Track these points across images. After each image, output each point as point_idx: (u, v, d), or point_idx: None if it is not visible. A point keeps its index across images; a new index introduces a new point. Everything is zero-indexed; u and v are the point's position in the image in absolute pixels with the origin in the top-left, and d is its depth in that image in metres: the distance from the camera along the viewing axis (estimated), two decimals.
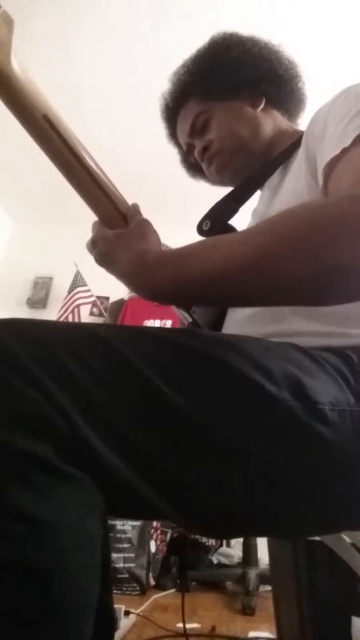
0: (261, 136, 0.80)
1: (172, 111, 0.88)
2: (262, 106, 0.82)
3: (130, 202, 0.66)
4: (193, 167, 0.93)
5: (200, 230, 0.73)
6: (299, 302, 0.50)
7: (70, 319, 3.14)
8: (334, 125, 0.56)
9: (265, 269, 0.44)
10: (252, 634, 1.39)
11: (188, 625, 1.18)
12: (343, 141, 0.52)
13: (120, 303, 3.19)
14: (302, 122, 0.87)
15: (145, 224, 0.61)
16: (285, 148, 0.76)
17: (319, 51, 2.15)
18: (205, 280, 0.48)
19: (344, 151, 0.51)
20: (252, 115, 0.81)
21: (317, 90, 0.90)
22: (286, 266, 0.43)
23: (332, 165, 0.53)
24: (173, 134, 0.92)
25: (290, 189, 0.68)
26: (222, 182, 0.87)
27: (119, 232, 0.60)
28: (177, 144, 0.93)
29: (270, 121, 0.82)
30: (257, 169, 0.79)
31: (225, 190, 0.80)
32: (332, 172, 0.53)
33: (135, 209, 0.64)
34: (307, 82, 0.87)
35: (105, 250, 0.61)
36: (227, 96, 0.81)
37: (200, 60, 0.83)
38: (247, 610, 1.62)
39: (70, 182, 0.60)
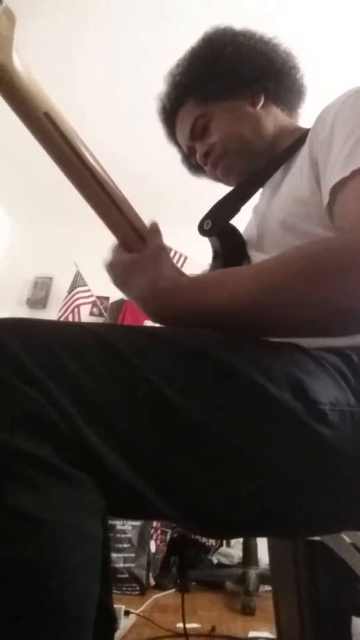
0: (263, 134, 0.79)
1: (170, 113, 0.86)
2: (261, 103, 0.80)
3: (131, 202, 0.65)
4: (194, 167, 0.92)
5: (201, 229, 0.73)
6: (301, 336, 0.52)
7: (70, 319, 3.15)
8: (341, 137, 0.55)
9: (269, 310, 0.47)
10: (252, 634, 1.39)
11: (188, 625, 1.18)
12: (352, 162, 0.51)
13: (120, 303, 3.19)
14: (304, 122, 0.87)
15: (159, 250, 0.60)
16: (288, 146, 0.75)
17: (319, 49, 2.15)
18: (213, 315, 0.50)
19: (354, 174, 0.51)
20: (253, 113, 0.79)
21: (318, 88, 0.89)
22: (290, 308, 0.46)
23: (338, 188, 0.53)
24: (172, 135, 0.90)
25: (290, 190, 0.67)
26: (228, 184, 0.85)
27: (133, 257, 0.61)
28: (177, 144, 0.91)
29: (271, 118, 0.81)
30: (259, 168, 0.78)
31: (227, 189, 0.80)
32: (338, 195, 0.53)
33: (154, 227, 0.63)
34: (308, 80, 0.85)
35: (120, 274, 0.62)
36: (226, 96, 0.79)
37: (195, 60, 0.81)
38: (247, 610, 1.62)
39: (72, 182, 0.59)
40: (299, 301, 0.45)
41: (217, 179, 0.86)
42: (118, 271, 0.62)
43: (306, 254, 0.48)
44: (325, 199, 0.55)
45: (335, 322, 0.47)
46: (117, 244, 0.64)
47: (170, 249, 3.06)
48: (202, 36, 0.82)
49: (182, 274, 0.62)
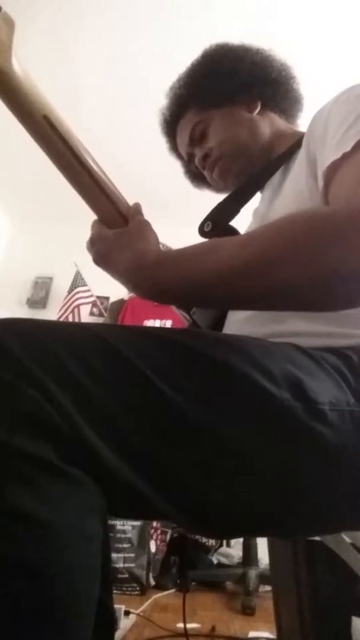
0: (259, 138, 0.81)
1: (171, 124, 0.90)
2: (258, 109, 0.83)
3: (131, 203, 0.65)
4: (196, 177, 0.94)
5: (201, 231, 0.74)
6: (298, 307, 0.50)
7: (70, 319, 3.14)
8: (334, 127, 0.56)
9: (264, 273, 0.44)
10: (252, 634, 1.39)
11: (188, 625, 1.18)
12: (344, 145, 0.52)
13: (120, 303, 3.19)
14: (302, 124, 0.87)
15: (144, 224, 0.61)
16: (287, 149, 0.76)
17: (318, 50, 2.15)
18: (204, 282, 0.48)
19: (345, 156, 0.51)
20: (249, 118, 0.82)
21: (316, 89, 0.90)
22: (285, 271, 0.43)
23: (332, 170, 0.53)
24: (174, 147, 0.93)
25: (290, 190, 0.68)
26: (225, 188, 0.87)
27: (117, 231, 0.60)
28: (179, 156, 0.94)
29: (268, 123, 0.83)
30: (258, 170, 0.79)
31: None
32: (332, 177, 0.53)
33: (136, 208, 0.64)
34: (306, 82, 0.87)
35: (103, 250, 0.60)
36: (223, 103, 0.82)
37: (194, 73, 0.85)
38: (247, 610, 1.62)
39: (71, 183, 0.60)
40: (295, 262, 0.43)
41: (217, 186, 0.88)
42: (99, 247, 0.61)
43: (304, 219, 0.46)
44: (321, 183, 0.55)
45: (333, 287, 0.44)
46: (97, 220, 0.64)
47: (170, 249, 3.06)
48: (202, 52, 0.86)
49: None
